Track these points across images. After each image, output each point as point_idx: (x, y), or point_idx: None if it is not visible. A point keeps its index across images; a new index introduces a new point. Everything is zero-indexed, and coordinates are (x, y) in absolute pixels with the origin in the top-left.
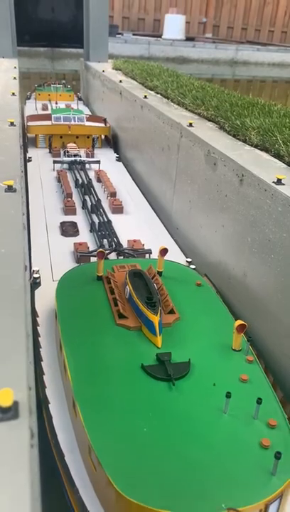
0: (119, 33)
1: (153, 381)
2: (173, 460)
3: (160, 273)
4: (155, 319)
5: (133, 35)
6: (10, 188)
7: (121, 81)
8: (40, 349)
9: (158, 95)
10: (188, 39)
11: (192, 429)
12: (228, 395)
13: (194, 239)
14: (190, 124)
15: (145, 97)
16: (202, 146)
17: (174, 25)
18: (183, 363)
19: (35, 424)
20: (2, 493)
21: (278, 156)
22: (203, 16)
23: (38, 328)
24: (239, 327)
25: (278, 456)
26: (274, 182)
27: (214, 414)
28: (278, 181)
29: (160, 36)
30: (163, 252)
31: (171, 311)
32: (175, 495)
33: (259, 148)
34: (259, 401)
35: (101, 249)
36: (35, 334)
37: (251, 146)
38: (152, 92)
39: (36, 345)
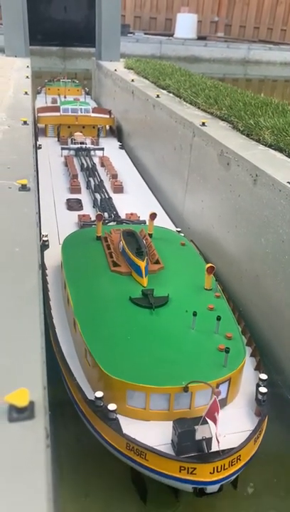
0: (131, 32)
1: (138, 308)
2: (148, 356)
3: (150, 235)
4: (142, 264)
5: (145, 34)
6: (24, 187)
7: (133, 80)
8: (49, 292)
9: (171, 94)
10: (200, 38)
11: (165, 339)
12: (195, 314)
13: (206, 239)
14: (203, 124)
15: (157, 96)
16: (216, 146)
17: (186, 24)
18: (163, 296)
19: (48, 424)
20: (18, 494)
21: None
22: (215, 15)
23: (47, 277)
24: (209, 269)
25: (227, 350)
26: (288, 182)
27: (184, 330)
28: None
29: (171, 35)
30: (153, 216)
31: (157, 262)
32: (148, 376)
33: (273, 148)
34: (219, 317)
35: (99, 213)
36: (44, 282)
37: (265, 145)
38: (164, 91)
39: (45, 290)
